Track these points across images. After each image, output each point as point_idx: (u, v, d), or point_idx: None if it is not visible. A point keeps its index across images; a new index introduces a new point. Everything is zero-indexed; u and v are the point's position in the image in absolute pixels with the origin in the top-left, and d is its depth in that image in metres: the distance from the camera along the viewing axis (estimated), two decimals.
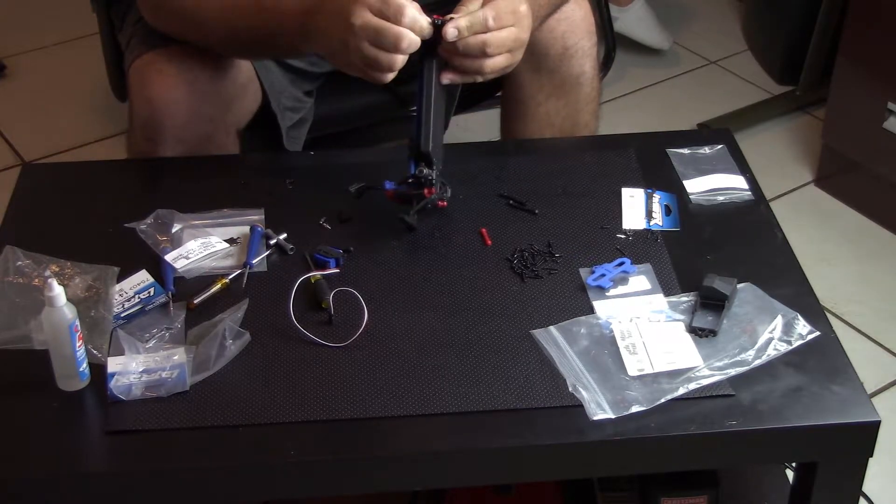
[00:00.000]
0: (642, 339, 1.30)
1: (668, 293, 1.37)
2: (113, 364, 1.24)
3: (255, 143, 1.74)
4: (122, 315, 1.33)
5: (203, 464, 1.19)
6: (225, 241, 1.45)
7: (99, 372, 1.25)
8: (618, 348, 1.29)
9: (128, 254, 1.41)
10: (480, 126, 2.25)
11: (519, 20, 1.41)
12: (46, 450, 1.20)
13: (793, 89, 2.80)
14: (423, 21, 1.37)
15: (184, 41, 1.57)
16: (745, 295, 1.36)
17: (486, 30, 1.39)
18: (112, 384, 1.23)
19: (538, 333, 1.31)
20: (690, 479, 1.40)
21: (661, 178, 1.57)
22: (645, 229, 1.48)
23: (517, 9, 1.41)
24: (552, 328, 1.32)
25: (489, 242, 1.45)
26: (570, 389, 1.24)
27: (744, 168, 1.59)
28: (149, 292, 1.36)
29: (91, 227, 1.49)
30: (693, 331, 1.31)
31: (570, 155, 1.64)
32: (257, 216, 1.49)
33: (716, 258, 1.43)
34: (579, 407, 1.22)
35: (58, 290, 1.20)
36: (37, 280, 1.35)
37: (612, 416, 1.21)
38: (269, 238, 1.45)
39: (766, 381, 1.26)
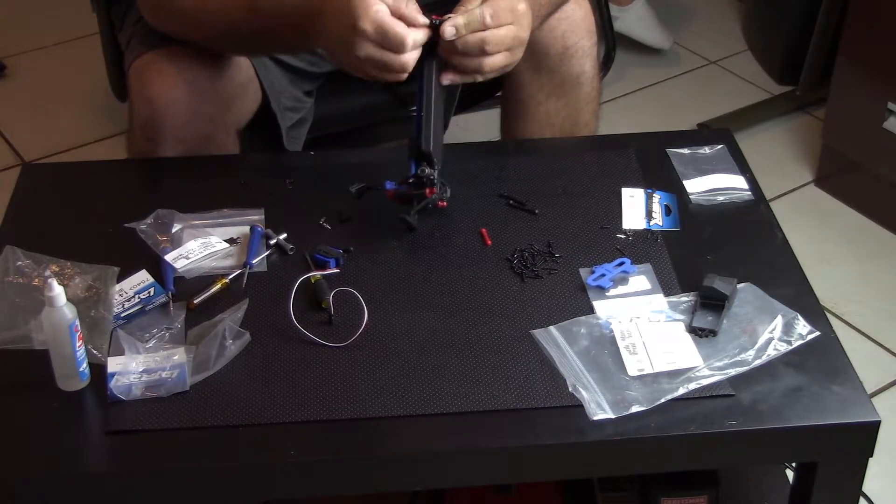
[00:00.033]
0: (642, 339, 1.30)
1: (668, 293, 1.37)
2: (113, 364, 1.24)
3: (255, 143, 1.74)
4: (122, 315, 1.33)
5: (203, 464, 1.19)
6: (225, 241, 1.44)
7: (99, 372, 1.25)
8: (618, 348, 1.29)
9: (128, 254, 1.41)
10: (480, 126, 2.24)
11: (517, 18, 1.41)
12: (46, 450, 1.20)
13: (793, 89, 2.80)
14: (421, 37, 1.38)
15: (184, 41, 1.57)
16: (745, 295, 1.36)
17: (484, 28, 1.39)
18: (112, 384, 1.23)
19: (538, 333, 1.31)
20: (690, 479, 1.40)
21: (661, 178, 1.57)
22: (645, 229, 1.48)
23: (515, 7, 1.41)
24: (552, 328, 1.32)
25: (489, 242, 1.45)
26: (570, 389, 1.24)
27: (744, 168, 1.59)
28: (149, 292, 1.36)
29: (91, 227, 1.49)
30: (693, 331, 1.31)
31: (570, 155, 1.64)
32: (257, 216, 1.49)
33: (716, 258, 1.43)
34: (579, 407, 1.22)
35: (58, 290, 1.20)
36: (37, 280, 1.35)
37: (612, 416, 1.21)
38: (269, 238, 1.44)
39: (766, 381, 1.26)
